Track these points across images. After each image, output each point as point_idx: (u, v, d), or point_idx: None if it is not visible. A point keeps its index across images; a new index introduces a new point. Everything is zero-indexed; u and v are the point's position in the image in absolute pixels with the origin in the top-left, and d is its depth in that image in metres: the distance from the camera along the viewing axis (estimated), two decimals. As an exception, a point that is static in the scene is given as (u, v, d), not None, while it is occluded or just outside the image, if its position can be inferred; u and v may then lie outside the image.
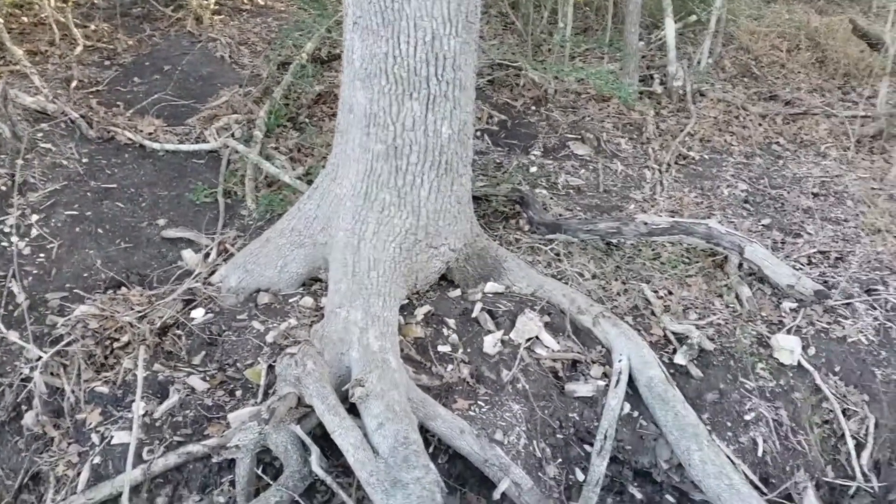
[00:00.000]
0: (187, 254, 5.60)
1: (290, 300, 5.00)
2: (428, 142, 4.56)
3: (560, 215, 6.21)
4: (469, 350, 4.71)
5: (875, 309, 5.40)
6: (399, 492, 3.58)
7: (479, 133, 7.10)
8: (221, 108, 7.04)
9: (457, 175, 4.82)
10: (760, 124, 7.85)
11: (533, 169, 6.89)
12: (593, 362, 4.87)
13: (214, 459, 3.98)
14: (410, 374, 4.35)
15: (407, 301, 4.91)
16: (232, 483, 3.95)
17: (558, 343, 4.93)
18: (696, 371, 4.85)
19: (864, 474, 4.72)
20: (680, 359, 4.87)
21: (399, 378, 4.11)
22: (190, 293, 5.04)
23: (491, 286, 5.18)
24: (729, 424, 4.63)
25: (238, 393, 4.36)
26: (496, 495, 4.00)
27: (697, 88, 8.20)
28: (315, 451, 3.84)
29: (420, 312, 4.85)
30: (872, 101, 8.11)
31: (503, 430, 4.31)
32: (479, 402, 4.41)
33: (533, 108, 7.93)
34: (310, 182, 5.62)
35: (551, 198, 6.50)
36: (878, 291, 5.54)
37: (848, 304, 5.41)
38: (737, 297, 5.41)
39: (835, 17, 10.15)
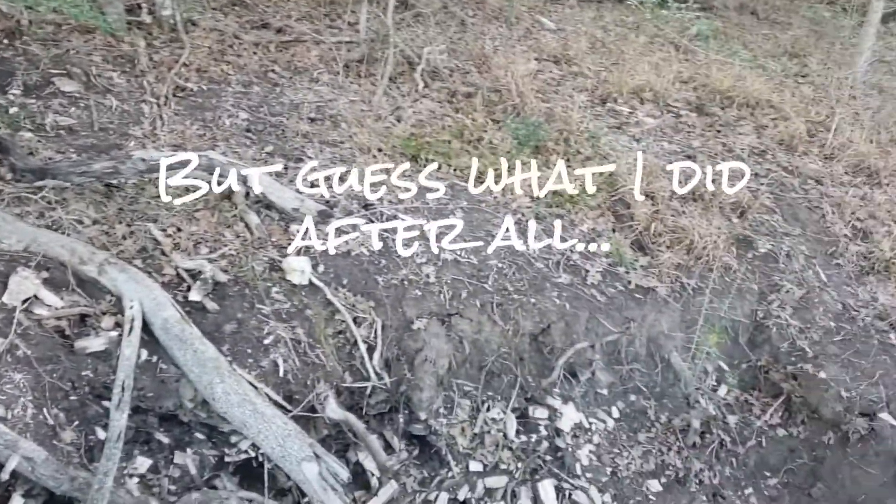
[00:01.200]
0: None
1: None
2: None
3: (50, 159, 5.64)
4: (-50, 324, 4.12)
5: (373, 222, 5.84)
6: None
7: (-66, 74, 6.10)
8: None
9: None
10: (255, 53, 7.92)
11: (13, 110, 6.13)
12: (104, 313, 4.59)
13: None
14: None
15: None
16: None
17: (62, 299, 4.56)
18: (212, 305, 4.82)
19: (377, 373, 5.16)
20: (195, 295, 4.80)
21: None
22: None
23: (-29, 248, 4.55)
24: (249, 351, 4.71)
25: None
26: (5, 476, 3.67)
27: (188, 17, 7.96)
28: None
29: None
30: (355, 27, 8.64)
31: (5, 404, 3.92)
32: (-30, 381, 3.91)
33: (5, 41, 7.02)
34: None
35: (39, 141, 5.86)
36: (374, 206, 6.00)
37: (349, 220, 5.78)
38: (246, 225, 5.46)
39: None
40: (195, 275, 4.92)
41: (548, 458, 5.44)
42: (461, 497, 5.07)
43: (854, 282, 6.84)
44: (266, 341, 4.80)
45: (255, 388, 4.46)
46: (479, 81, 8.17)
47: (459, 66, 8.58)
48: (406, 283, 5.52)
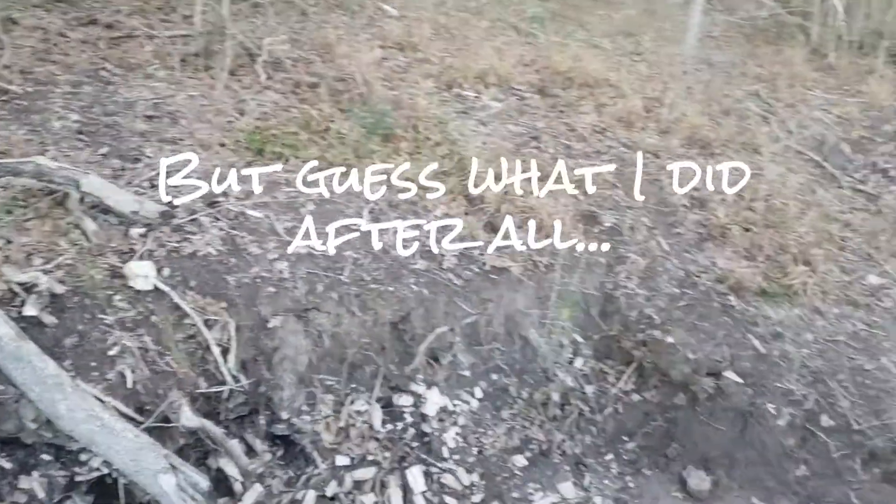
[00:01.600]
0: None
1: None
2: None
3: None
4: None
5: (220, 220, 5.68)
6: None
7: None
8: None
9: None
10: (84, 51, 7.48)
11: None
12: (-73, 337, 4.26)
13: None
14: None
15: None
16: None
17: None
18: (49, 318, 4.57)
19: (233, 376, 5.03)
20: (30, 310, 4.53)
21: None
22: None
23: None
24: (94, 364, 4.50)
25: None
26: None
27: (7, 15, 7.46)
28: None
29: None
30: (190, 20, 8.31)
31: None
32: None
33: None
34: None
35: None
36: (220, 203, 5.82)
37: (194, 219, 5.58)
38: (83, 232, 5.19)
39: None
40: (29, 288, 4.64)
41: (415, 444, 5.47)
42: (329, 493, 5.04)
43: (694, 248, 7.18)
44: (111, 352, 4.59)
45: (102, 402, 4.26)
46: (324, 71, 8.04)
47: (303, 56, 8.41)
48: (259, 280, 5.40)
